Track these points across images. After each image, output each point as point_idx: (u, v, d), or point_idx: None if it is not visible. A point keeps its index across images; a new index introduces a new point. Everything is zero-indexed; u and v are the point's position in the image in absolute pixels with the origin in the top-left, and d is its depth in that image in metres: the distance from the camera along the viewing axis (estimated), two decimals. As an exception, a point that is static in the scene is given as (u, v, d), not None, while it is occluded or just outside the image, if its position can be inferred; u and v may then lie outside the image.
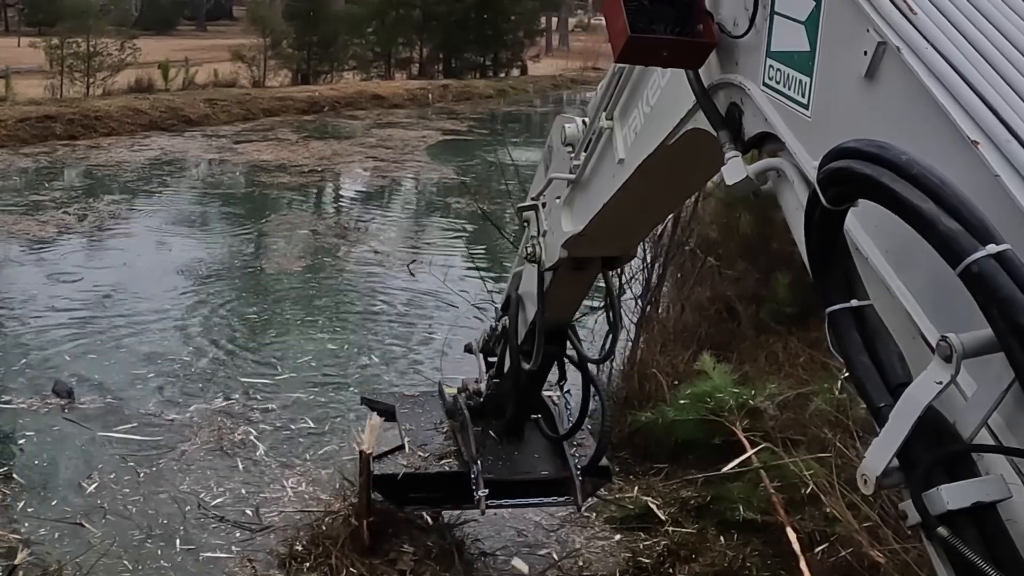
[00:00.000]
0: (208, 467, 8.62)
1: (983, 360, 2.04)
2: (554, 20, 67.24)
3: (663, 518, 7.67)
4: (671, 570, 7.15)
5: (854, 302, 2.40)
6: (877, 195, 2.16)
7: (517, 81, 47.46)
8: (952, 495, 2.08)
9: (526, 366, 6.19)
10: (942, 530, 2.08)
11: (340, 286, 14.84)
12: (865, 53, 2.50)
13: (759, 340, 10.07)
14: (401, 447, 7.01)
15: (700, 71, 3.28)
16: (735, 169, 3.09)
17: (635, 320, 10.11)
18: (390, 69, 46.28)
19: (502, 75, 48.68)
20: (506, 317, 6.50)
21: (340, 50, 44.06)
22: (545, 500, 7.13)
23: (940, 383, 2.06)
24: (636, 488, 8.18)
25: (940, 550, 2.12)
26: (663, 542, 7.41)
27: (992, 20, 2.50)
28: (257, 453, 8.91)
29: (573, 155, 5.04)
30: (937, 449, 2.13)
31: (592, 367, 6.75)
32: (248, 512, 7.90)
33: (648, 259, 10.10)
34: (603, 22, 3.31)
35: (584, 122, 5.01)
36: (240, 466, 8.65)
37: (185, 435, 9.20)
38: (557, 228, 5.35)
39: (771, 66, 2.96)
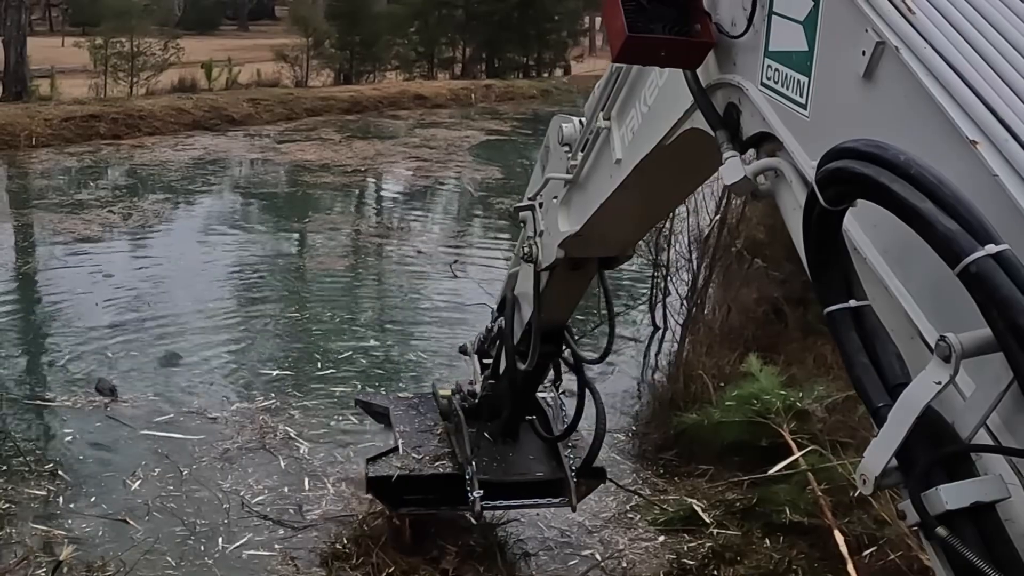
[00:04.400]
0: (250, 465, 8.64)
1: (981, 360, 2.05)
2: (597, 20, 67.14)
3: (708, 520, 7.64)
4: (715, 572, 7.13)
5: (852, 302, 2.41)
6: (875, 195, 2.17)
7: (560, 81, 47.41)
8: (951, 495, 2.09)
9: (522, 367, 6.16)
10: (941, 530, 2.10)
11: (382, 285, 14.88)
12: (863, 53, 2.50)
13: (806, 342, 9.99)
14: (395, 449, 7.00)
15: (698, 71, 3.29)
16: (733, 169, 3.10)
17: (681, 321, 10.04)
18: (433, 69, 46.39)
19: (545, 75, 48.65)
20: (502, 318, 6.49)
21: (382, 50, 44.19)
22: (540, 501, 7.12)
23: (939, 383, 2.08)
24: (681, 490, 8.13)
25: (939, 550, 2.14)
26: (708, 544, 7.40)
27: (991, 20, 2.49)
28: (299, 451, 8.91)
29: (570, 155, 5.02)
30: (936, 449, 2.15)
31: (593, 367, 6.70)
32: (290, 510, 7.91)
33: (695, 260, 10.03)
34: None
35: (581, 122, 4.99)
36: (282, 464, 8.66)
37: (227, 433, 9.23)
38: (554, 228, 5.32)
39: (769, 66, 2.97)
